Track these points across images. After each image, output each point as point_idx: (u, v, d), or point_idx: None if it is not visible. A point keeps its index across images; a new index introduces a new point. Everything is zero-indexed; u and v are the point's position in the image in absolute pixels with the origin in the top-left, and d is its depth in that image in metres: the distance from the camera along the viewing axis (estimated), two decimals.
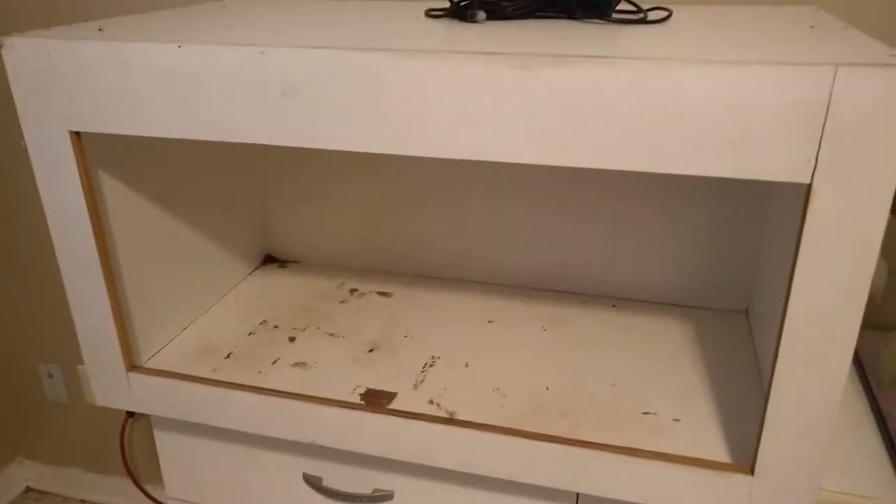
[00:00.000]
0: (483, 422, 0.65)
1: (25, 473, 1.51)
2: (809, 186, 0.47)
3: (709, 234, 0.81)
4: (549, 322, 0.82)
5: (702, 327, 0.81)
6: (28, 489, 1.51)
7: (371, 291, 0.90)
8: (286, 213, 0.96)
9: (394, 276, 0.94)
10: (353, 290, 0.91)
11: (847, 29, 0.58)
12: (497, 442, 0.63)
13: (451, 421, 0.65)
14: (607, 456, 0.60)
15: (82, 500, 1.48)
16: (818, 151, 0.46)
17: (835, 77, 0.44)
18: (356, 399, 0.69)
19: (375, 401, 0.68)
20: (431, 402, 0.68)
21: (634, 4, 0.67)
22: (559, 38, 0.56)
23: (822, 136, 0.45)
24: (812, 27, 0.59)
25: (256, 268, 0.97)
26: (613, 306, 0.86)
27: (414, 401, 0.68)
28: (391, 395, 0.69)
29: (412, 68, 0.52)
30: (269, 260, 0.99)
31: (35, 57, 0.60)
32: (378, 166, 0.89)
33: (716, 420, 0.65)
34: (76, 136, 0.63)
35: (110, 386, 0.74)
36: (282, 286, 0.92)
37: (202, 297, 0.85)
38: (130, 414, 1.34)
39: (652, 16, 0.66)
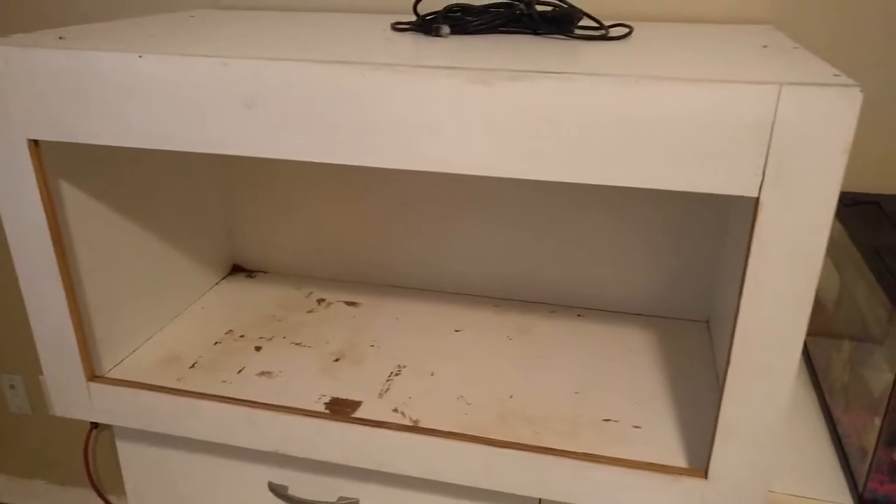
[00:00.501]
0: (447, 429, 0.65)
1: None
2: (757, 200, 0.49)
3: (672, 245, 0.83)
4: (516, 331, 0.83)
5: (664, 336, 0.83)
6: None
7: (338, 301, 0.90)
8: (253, 222, 0.96)
9: (361, 286, 0.94)
10: (320, 300, 0.91)
11: (797, 49, 0.60)
12: (460, 449, 0.64)
13: (414, 429, 0.65)
14: (568, 462, 0.61)
15: None
16: (765, 166, 0.48)
17: (779, 95, 0.46)
18: (321, 408, 0.69)
19: (340, 409, 0.69)
20: (396, 410, 0.69)
21: (597, 21, 0.68)
22: (520, 54, 0.57)
23: (768, 152, 0.47)
24: (764, 47, 0.62)
25: (223, 277, 0.97)
26: (579, 315, 0.87)
27: (379, 409, 0.69)
28: (356, 404, 0.70)
29: (375, 81, 0.52)
30: (237, 269, 0.99)
31: None
32: (345, 177, 0.90)
33: (675, 426, 0.66)
34: (34, 144, 0.62)
35: (70, 396, 0.73)
36: (249, 296, 0.92)
37: (168, 307, 0.85)
38: (95, 425, 1.33)
39: (613, 32, 0.68)
